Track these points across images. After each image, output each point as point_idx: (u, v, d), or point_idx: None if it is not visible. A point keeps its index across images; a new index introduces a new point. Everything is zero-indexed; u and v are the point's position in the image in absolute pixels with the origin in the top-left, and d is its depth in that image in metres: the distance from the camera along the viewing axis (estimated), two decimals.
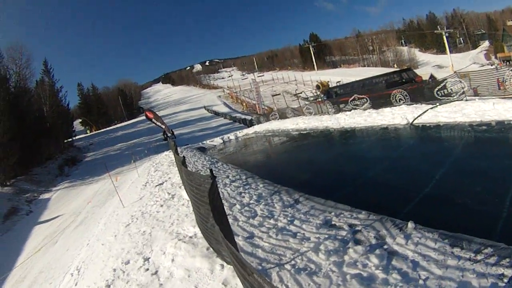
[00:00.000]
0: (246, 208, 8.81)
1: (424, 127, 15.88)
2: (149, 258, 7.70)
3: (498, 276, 4.48)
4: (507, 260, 4.73)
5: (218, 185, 11.14)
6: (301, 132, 21.89)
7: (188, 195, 9.94)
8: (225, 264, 6.16)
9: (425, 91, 22.23)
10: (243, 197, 9.73)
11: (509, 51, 75.06)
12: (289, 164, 14.92)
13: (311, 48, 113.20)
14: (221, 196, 8.42)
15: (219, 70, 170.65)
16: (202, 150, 24.26)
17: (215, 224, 4.90)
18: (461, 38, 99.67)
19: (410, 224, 6.24)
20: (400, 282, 4.74)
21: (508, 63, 61.18)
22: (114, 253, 8.84)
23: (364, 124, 18.97)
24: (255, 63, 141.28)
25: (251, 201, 9.25)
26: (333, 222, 7.07)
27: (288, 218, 7.61)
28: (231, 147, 23.13)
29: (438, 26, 64.06)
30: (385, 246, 5.77)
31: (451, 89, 20.25)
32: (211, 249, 6.66)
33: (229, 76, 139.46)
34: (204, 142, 28.05)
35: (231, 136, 27.25)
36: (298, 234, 6.72)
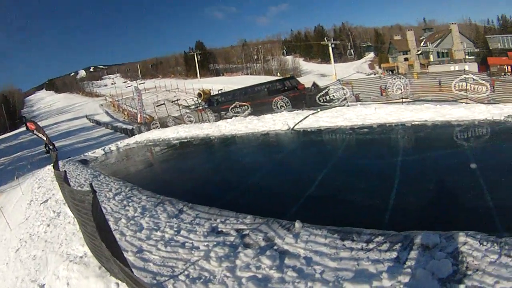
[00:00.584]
0: (132, 221, 9.20)
1: (305, 131, 17.95)
2: (44, 284, 7.77)
3: (393, 260, 5.41)
4: (399, 244, 5.76)
5: (102, 200, 11.26)
6: (182, 140, 22.89)
7: (72, 212, 9.91)
8: (119, 282, 6.20)
9: (307, 98, 25.09)
10: (128, 210, 10.20)
11: (393, 62, 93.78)
12: (170, 174, 15.64)
13: (195, 56, 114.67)
14: (105, 211, 8.41)
15: (103, 77, 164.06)
16: (84, 162, 23.45)
17: (102, 243, 5.00)
18: (352, 50, 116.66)
19: (297, 223, 6.97)
20: (297, 279, 5.35)
21: (391, 72, 69.06)
22: (10, 284, 8.92)
23: (245, 130, 20.63)
24: (139, 70, 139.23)
25: (136, 214, 9.73)
26: (220, 229, 7.62)
27: (175, 229, 8.10)
28: (113, 158, 23.97)
29: (325, 38, 69.59)
30: (275, 247, 6.40)
31: (333, 95, 23.25)
32: (103, 268, 6.82)
33: (112, 84, 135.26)
34: (86, 154, 27.07)
35: (113, 146, 27.52)
36: (187, 243, 7.19)
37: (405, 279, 4.86)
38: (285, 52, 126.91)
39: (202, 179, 13.43)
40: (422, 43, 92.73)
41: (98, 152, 27.75)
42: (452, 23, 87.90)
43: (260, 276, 5.55)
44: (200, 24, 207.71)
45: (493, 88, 20.83)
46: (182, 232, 7.80)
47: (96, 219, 5.25)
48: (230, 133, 21.03)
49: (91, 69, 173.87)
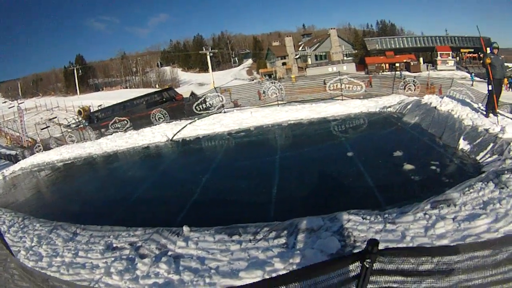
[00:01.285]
0: (31, 251, 8.94)
1: (184, 141, 18.66)
2: None
3: (282, 246, 5.97)
4: (285, 232, 6.36)
5: None
6: (66, 162, 21.77)
7: None
8: None
9: (186, 108, 25.43)
10: (25, 241, 9.89)
11: (271, 67, 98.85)
12: (59, 198, 15.04)
13: (75, 71, 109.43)
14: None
15: None
16: None
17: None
18: (236, 58, 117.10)
19: (185, 228, 7.39)
20: (195, 278, 5.66)
21: (269, 77, 71.84)
22: None
23: (126, 146, 20.59)
24: (19, 88, 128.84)
25: (33, 244, 9.48)
26: (114, 245, 7.72)
27: (72, 252, 8.06)
28: (0, 188, 21.03)
29: (203, 47, 70.59)
30: (169, 253, 6.68)
31: (210, 103, 23.62)
32: None
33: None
34: None
35: None
36: (87, 264, 7.20)
37: (296, 260, 5.30)
38: (159, 64, 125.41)
39: (90, 199, 13.13)
40: (301, 47, 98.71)
41: None
42: (332, 28, 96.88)
43: (161, 281, 5.79)
44: (80, 37, 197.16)
45: (370, 85, 23.11)
46: (80, 253, 7.81)
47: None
48: (112, 150, 20.65)
49: None
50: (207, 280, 5.54)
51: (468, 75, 65.97)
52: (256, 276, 5.17)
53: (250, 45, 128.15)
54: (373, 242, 2.10)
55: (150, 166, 16.27)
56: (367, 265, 2.14)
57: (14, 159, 39.85)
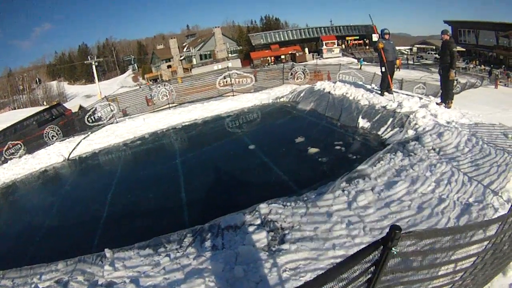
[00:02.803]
0: None
1: (81, 158, 17.57)
2: None
3: (211, 248, 5.81)
4: (209, 234, 6.23)
5: None
6: None
7: None
8: None
9: (76, 123, 24.12)
10: None
11: (156, 71, 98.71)
12: None
13: None
14: None
15: None
16: None
17: None
18: (135, 65, 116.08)
19: (107, 251, 6.75)
20: None
21: (155, 81, 71.73)
22: None
23: (24, 173, 18.62)
24: None
25: None
26: (41, 286, 6.75)
27: None
28: None
29: (88, 57, 68.26)
30: (100, 282, 6.08)
31: (100, 113, 23.03)
32: None
33: None
34: None
35: None
36: None
37: (232, 260, 5.25)
38: (38, 80, 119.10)
39: None
40: (185, 48, 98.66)
41: None
42: (216, 27, 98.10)
43: None
44: None
45: (255, 78, 23.65)
46: None
47: None
48: (10, 180, 18.69)
49: None
50: None
51: (355, 60, 70.72)
52: (197, 285, 5.00)
53: (135, 50, 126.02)
54: (396, 227, 2.14)
55: (52, 191, 14.98)
56: (390, 250, 2.18)
57: None
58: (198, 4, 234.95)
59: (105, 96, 24.19)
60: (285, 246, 5.25)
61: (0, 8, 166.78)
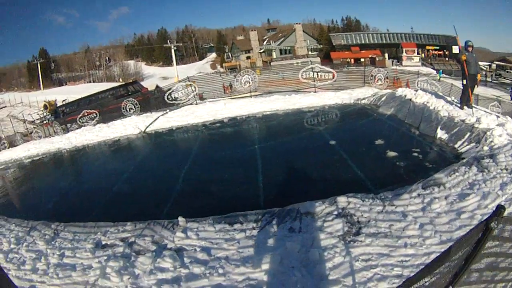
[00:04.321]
0: (11, 255, 7.96)
1: (157, 133, 18.19)
2: None
3: (289, 230, 6.03)
4: (288, 217, 6.42)
5: None
6: (34, 158, 20.63)
7: None
8: None
9: (152, 101, 25.09)
10: (1, 243, 8.74)
11: (235, 61, 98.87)
12: (32, 196, 13.80)
13: (38, 65, 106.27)
14: None
15: None
16: None
17: None
18: (229, 53, 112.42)
19: (181, 219, 7.03)
20: (207, 270, 5.44)
21: (233, 71, 72.65)
22: None
23: (97, 139, 19.76)
24: None
25: (12, 246, 8.41)
26: (104, 242, 7.20)
27: (58, 253, 7.29)
28: None
29: (168, 41, 70.02)
30: (169, 246, 6.37)
31: (180, 94, 23.70)
32: None
33: None
34: None
35: None
36: (77, 265, 6.58)
37: (308, 243, 5.43)
38: (108, 59, 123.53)
39: (65, 196, 12.21)
40: (265, 42, 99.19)
41: None
42: (297, 23, 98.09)
43: (168, 277, 5.50)
44: (42, 31, 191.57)
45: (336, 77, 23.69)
46: (67, 253, 7.14)
47: None
48: (82, 144, 19.77)
49: None
50: (220, 271, 5.38)
51: (433, 71, 68.14)
52: (271, 261, 5.14)
53: (214, 39, 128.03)
54: (501, 206, 2.22)
55: (124, 159, 15.80)
56: (492, 227, 2.23)
57: None
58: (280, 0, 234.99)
59: (188, 77, 24.86)
60: (360, 238, 5.38)
61: None
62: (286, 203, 6.90)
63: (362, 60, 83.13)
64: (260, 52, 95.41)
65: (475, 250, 2.37)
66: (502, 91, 53.03)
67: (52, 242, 7.92)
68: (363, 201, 6.53)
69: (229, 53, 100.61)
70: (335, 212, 6.24)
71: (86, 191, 12.20)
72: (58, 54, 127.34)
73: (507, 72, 78.10)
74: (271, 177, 9.54)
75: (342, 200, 6.57)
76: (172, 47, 63.13)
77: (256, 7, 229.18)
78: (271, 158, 11.35)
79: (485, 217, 5.42)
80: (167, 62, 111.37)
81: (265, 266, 5.08)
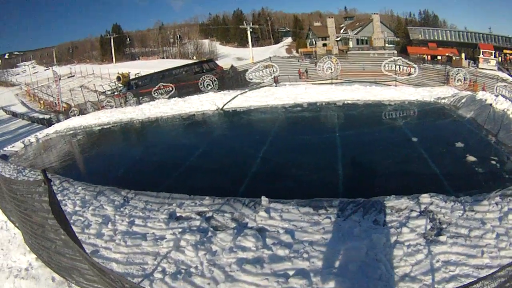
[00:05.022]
0: (75, 217, 8.02)
1: (235, 111, 18.46)
2: None
3: (374, 222, 6.16)
4: (373, 209, 6.54)
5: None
6: (104, 126, 21.28)
7: (6, 213, 8.40)
8: None
9: (226, 80, 25.80)
10: (66, 205, 8.75)
11: (311, 47, 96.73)
12: (101, 162, 14.41)
13: (111, 39, 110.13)
14: None
15: (18, 64, 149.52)
16: (4, 158, 21.59)
17: (70, 241, 4.38)
18: (312, 39, 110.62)
19: (264, 199, 7.08)
20: (291, 253, 5.46)
21: (309, 57, 71.76)
22: None
23: (171, 112, 20.35)
24: (54, 56, 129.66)
25: (77, 208, 8.52)
26: (178, 214, 7.28)
27: (127, 220, 7.41)
28: (34, 151, 21.17)
29: (244, 22, 70.21)
30: (250, 225, 6.44)
31: (262, 72, 24.22)
32: (57, 277, 5.92)
33: (34, 71, 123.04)
34: (5, 148, 24.97)
35: (32, 138, 24.77)
36: (148, 235, 6.64)
37: (393, 238, 5.58)
38: (179, 37, 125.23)
39: (136, 165, 12.80)
40: (342, 30, 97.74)
41: (18, 145, 25.79)
42: (374, 13, 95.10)
43: (249, 257, 5.45)
44: (116, 7, 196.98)
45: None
46: (137, 222, 7.21)
47: (56, 212, 4.45)
48: (155, 116, 20.44)
49: (6, 56, 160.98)
50: (305, 255, 5.34)
51: (510, 77, 64.91)
52: (357, 251, 5.21)
53: (290, 23, 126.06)
54: None
55: (199, 134, 16.04)
56: None
57: (47, 123, 40.17)
58: None
59: (270, 57, 25.06)
60: (442, 239, 5.43)
61: None
62: (366, 195, 6.99)
63: (439, 57, 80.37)
64: (336, 40, 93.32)
65: None
66: None
67: (121, 209, 8.02)
68: (445, 202, 6.53)
69: (313, 40, 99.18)
70: (418, 210, 6.31)
71: (159, 161, 12.43)
72: (131, 30, 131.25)
73: None
74: (351, 166, 9.65)
75: (425, 198, 6.62)
76: (248, 28, 63.62)
77: None
78: (351, 148, 11.41)
79: None
80: (242, 43, 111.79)
81: (350, 256, 5.16)
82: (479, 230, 5.59)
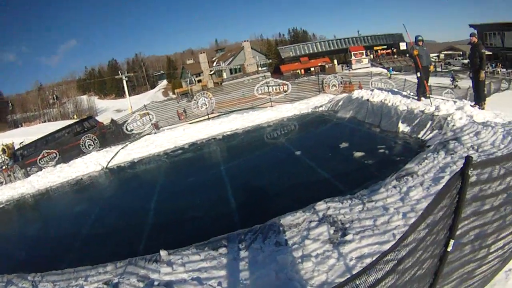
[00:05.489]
0: None
1: (120, 167, 17.65)
2: None
3: (276, 244, 5.97)
4: (271, 231, 6.41)
5: None
6: None
7: None
8: None
9: (108, 136, 24.66)
10: None
11: (186, 86, 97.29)
12: (0, 248, 13.27)
13: None
14: None
15: None
16: None
17: None
18: (192, 77, 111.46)
19: (163, 252, 6.75)
20: None
21: (185, 96, 72.38)
22: None
23: (59, 180, 18.90)
24: None
25: None
26: (86, 287, 6.82)
27: None
28: None
29: (119, 72, 69.24)
30: (156, 282, 6.07)
31: (136, 124, 23.34)
32: None
33: None
34: None
35: None
36: None
37: (299, 253, 5.40)
38: (55, 97, 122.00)
39: (37, 243, 11.55)
40: (215, 63, 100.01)
41: None
42: (244, 41, 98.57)
43: None
44: None
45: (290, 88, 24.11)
46: None
47: None
48: (44, 187, 18.86)
49: None
50: None
51: (384, 70, 70.31)
52: (266, 278, 5.05)
53: (164, 65, 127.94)
54: (470, 157, 2.38)
55: (90, 199, 15.12)
56: (469, 174, 2.38)
57: None
58: (226, 19, 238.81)
59: (144, 105, 24.66)
60: (348, 238, 5.43)
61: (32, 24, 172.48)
62: (264, 219, 6.86)
63: (312, 69, 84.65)
64: (210, 74, 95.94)
65: (459, 200, 2.50)
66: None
67: None
68: (341, 203, 6.63)
69: (187, 78, 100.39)
70: (317, 218, 6.29)
71: (57, 236, 11.57)
72: (11, 93, 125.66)
73: (455, 59, 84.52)
74: (242, 196, 9.51)
75: (321, 205, 6.66)
76: (124, 78, 62.49)
77: (202, 29, 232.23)
78: (238, 177, 11.35)
79: None
80: (120, 94, 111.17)
81: (261, 284, 5.00)
82: (384, 217, 5.73)
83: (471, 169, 2.39)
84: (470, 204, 2.63)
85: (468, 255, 3.04)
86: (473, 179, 2.45)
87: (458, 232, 2.62)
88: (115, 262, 7.16)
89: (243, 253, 5.96)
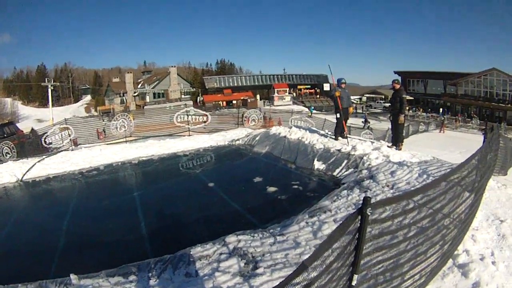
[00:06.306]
0: None
1: (35, 182, 16.34)
2: None
3: (185, 276, 5.86)
4: (181, 262, 6.28)
5: None
6: None
7: None
8: None
9: (27, 145, 23.18)
10: None
11: (109, 104, 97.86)
12: None
13: None
14: None
15: None
16: None
17: None
18: (123, 98, 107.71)
19: (73, 276, 6.41)
20: None
21: (107, 115, 70.67)
22: None
23: None
24: None
25: None
26: None
27: None
28: None
29: (46, 79, 66.11)
30: None
31: (56, 138, 22.00)
32: None
33: None
34: None
35: None
36: None
37: (209, 285, 5.33)
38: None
39: None
40: (140, 85, 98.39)
41: None
42: (172, 66, 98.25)
43: None
44: None
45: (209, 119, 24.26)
46: None
47: None
48: None
49: None
50: None
51: (305, 108, 72.58)
52: None
53: (91, 79, 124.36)
54: (368, 198, 2.62)
55: (3, 212, 13.15)
56: (368, 213, 2.61)
57: None
58: (157, 42, 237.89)
59: (65, 119, 23.52)
60: (259, 271, 5.45)
61: None
62: (175, 249, 6.76)
63: (234, 102, 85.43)
64: (134, 96, 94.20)
65: (359, 237, 2.75)
66: (373, 119, 59.58)
67: None
68: (253, 236, 6.69)
69: (111, 97, 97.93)
70: (227, 251, 6.28)
71: None
72: None
73: (377, 102, 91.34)
74: (154, 224, 9.30)
75: (231, 238, 6.67)
76: (49, 86, 59.53)
77: (133, 48, 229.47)
78: (151, 205, 11.02)
79: None
80: (43, 103, 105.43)
81: None
82: (295, 250, 5.84)
83: (369, 208, 2.62)
84: (372, 240, 2.87)
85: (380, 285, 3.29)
86: (373, 217, 2.67)
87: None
88: (26, 284, 6.65)
89: (153, 282, 5.82)
